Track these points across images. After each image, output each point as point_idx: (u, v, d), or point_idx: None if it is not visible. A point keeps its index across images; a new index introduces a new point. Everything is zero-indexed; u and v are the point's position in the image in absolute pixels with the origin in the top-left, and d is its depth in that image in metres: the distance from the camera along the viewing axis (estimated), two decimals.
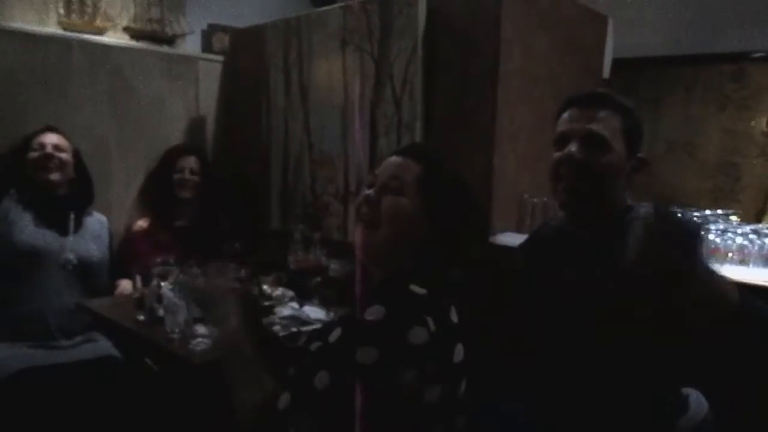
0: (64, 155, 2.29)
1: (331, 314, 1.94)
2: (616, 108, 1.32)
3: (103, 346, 2.17)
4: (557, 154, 1.34)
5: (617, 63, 2.53)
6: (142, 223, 2.64)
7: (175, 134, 2.89)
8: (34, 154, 2.24)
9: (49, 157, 2.24)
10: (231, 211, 2.83)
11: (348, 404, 0.94)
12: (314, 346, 1.10)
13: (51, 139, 2.28)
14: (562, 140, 1.34)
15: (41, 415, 1.89)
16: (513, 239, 1.94)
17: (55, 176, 2.25)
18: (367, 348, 0.95)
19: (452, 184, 1.14)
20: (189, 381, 1.83)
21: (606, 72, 2.48)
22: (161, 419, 1.96)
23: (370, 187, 1.14)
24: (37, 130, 2.29)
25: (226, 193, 2.85)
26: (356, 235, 1.12)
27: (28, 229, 2.16)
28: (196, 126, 2.98)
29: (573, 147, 1.30)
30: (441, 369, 1.00)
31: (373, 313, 0.98)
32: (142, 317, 1.86)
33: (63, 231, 2.23)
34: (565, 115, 1.37)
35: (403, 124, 2.23)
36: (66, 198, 2.29)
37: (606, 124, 1.30)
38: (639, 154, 1.35)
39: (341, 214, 2.50)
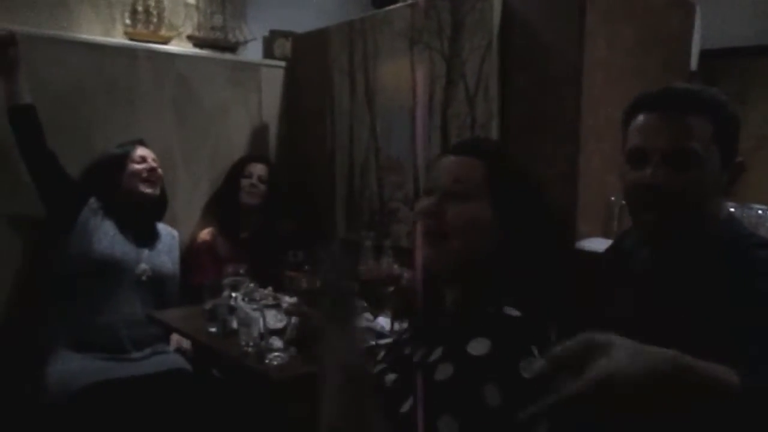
0: (160, 170, 2.32)
1: (404, 325, 1.84)
2: (706, 108, 1.04)
3: (172, 358, 2.14)
4: (635, 176, 1.08)
5: (703, 54, 2.35)
6: (205, 236, 2.60)
7: (239, 142, 2.87)
8: (138, 167, 2.25)
9: (153, 170, 2.26)
10: (296, 220, 2.77)
11: None
12: (390, 379, 0.95)
13: (148, 153, 2.30)
14: (638, 156, 1.08)
15: (112, 429, 1.87)
16: (599, 244, 1.80)
17: (156, 190, 2.28)
18: (488, 386, 0.82)
19: (523, 180, 1.00)
20: (263, 395, 1.77)
21: (694, 64, 2.30)
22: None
23: (428, 193, 1.00)
24: (129, 143, 2.31)
25: (290, 202, 2.80)
26: (420, 250, 0.98)
27: (106, 239, 2.15)
28: (259, 133, 2.94)
29: (657, 169, 1.04)
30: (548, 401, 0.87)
31: (480, 346, 0.85)
32: (214, 329, 1.80)
33: (140, 242, 2.23)
34: (640, 121, 1.09)
35: (477, 124, 2.12)
36: (145, 209, 2.29)
37: (696, 134, 1.03)
38: (737, 158, 1.09)
39: (410, 221, 2.40)
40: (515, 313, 0.90)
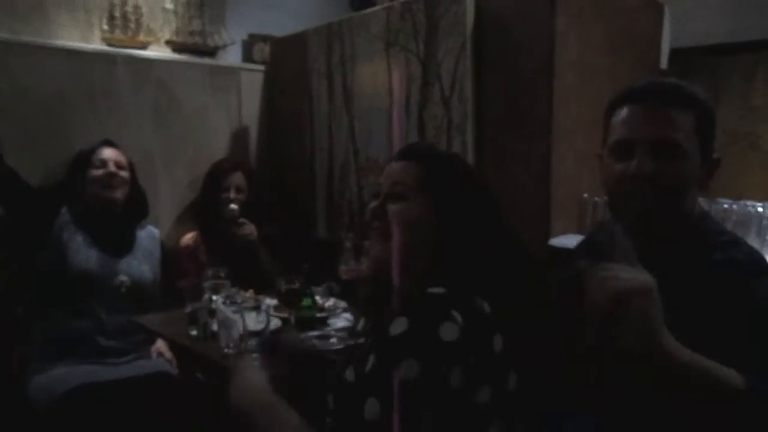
0: (124, 173, 2.25)
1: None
2: (688, 102, 1.07)
3: (156, 361, 2.14)
4: (619, 167, 1.09)
5: (675, 52, 2.40)
6: (187, 241, 2.60)
7: (219, 145, 2.88)
8: (97, 172, 2.19)
9: (112, 175, 2.20)
10: (277, 222, 2.78)
11: (411, 429, 0.87)
12: (349, 375, 1.02)
13: (111, 155, 2.24)
14: (623, 148, 1.09)
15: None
16: (573, 241, 1.84)
17: (117, 194, 2.21)
18: (406, 362, 0.88)
19: (456, 177, 1.08)
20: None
21: (663, 62, 2.35)
22: None
23: (375, 197, 1.09)
24: (95, 145, 2.26)
25: (271, 204, 2.81)
26: (371, 250, 1.07)
27: (81, 252, 2.12)
28: (239, 136, 2.96)
29: (642, 159, 1.05)
30: (483, 362, 0.93)
31: (398, 326, 0.91)
32: (195, 332, 1.82)
33: (116, 252, 2.19)
34: (624, 114, 1.10)
35: (453, 125, 2.16)
36: (120, 216, 2.25)
37: (679, 126, 1.05)
38: (714, 155, 1.11)
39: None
40: (439, 290, 0.96)
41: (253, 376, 1.12)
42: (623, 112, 1.10)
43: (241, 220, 2.47)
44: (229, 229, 2.48)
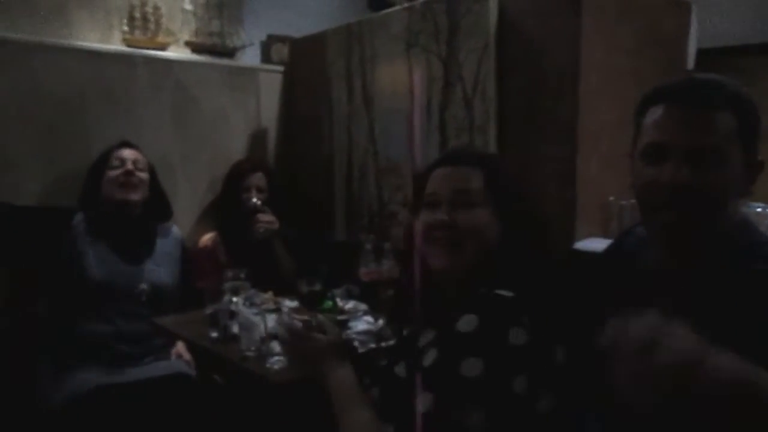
0: (143, 174, 2.19)
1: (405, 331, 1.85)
2: (730, 102, 0.95)
3: (174, 363, 2.13)
4: (652, 172, 0.98)
5: (701, 53, 2.35)
6: (206, 242, 2.59)
7: (238, 147, 2.87)
8: (114, 172, 2.13)
9: (130, 173, 2.13)
10: (295, 224, 2.76)
11: (460, 425, 0.88)
12: (400, 370, 1.05)
13: (130, 154, 2.18)
14: (656, 152, 0.98)
15: None
16: (598, 245, 1.80)
17: (134, 196, 2.14)
18: (470, 359, 0.89)
19: (515, 184, 1.13)
20: (263, 399, 1.77)
21: (690, 63, 2.31)
22: None
23: (431, 205, 1.08)
24: (114, 146, 2.22)
25: (289, 207, 2.78)
26: (438, 261, 1.07)
27: (99, 261, 2.06)
28: (257, 138, 2.95)
29: (677, 167, 0.95)
30: (547, 372, 0.94)
31: (467, 323, 0.93)
32: (215, 334, 1.80)
33: (135, 259, 2.13)
34: (659, 114, 0.98)
35: (475, 126, 2.13)
36: (139, 219, 2.20)
37: (719, 130, 0.94)
38: (759, 158, 1.01)
39: (407, 224, 2.40)
40: (508, 293, 0.97)
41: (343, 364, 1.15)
42: (658, 112, 0.99)
43: (262, 206, 2.45)
44: (250, 224, 2.44)
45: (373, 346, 1.69)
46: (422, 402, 0.90)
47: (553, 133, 1.94)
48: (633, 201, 1.88)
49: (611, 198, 1.96)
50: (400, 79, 2.40)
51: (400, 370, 1.06)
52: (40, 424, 1.94)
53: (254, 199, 2.47)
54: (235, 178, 2.58)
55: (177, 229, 2.40)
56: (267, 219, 2.43)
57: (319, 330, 1.22)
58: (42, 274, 2.09)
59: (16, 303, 2.20)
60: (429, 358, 0.95)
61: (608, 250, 1.34)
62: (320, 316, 1.29)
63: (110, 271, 2.07)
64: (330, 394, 1.11)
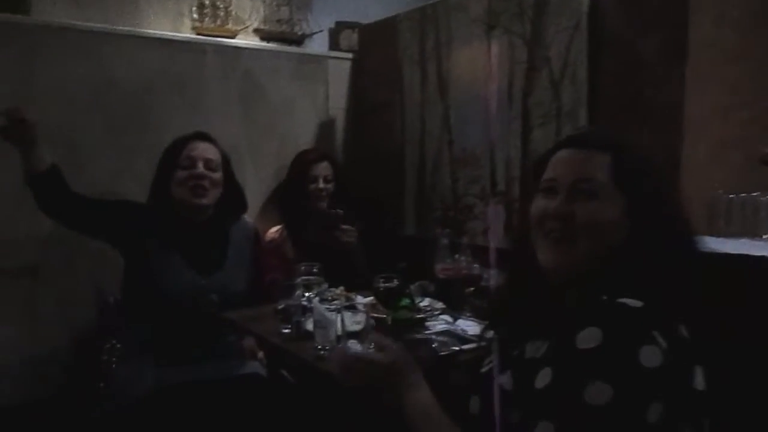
0: (215, 175, 1.96)
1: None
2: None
3: (247, 362, 2.04)
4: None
5: None
6: (273, 235, 2.52)
7: (305, 136, 2.80)
8: (183, 173, 1.92)
9: (200, 177, 1.92)
10: (362, 217, 2.66)
11: None
12: (506, 381, 0.91)
13: (201, 152, 1.95)
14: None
15: None
16: (724, 245, 1.60)
17: (205, 200, 1.94)
18: (596, 384, 0.74)
19: (650, 172, 0.94)
20: (338, 399, 1.68)
21: None
22: None
23: (547, 192, 0.95)
24: (184, 137, 1.99)
25: (356, 198, 2.68)
26: (547, 256, 0.94)
27: (167, 268, 1.92)
28: (325, 128, 2.86)
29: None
30: (685, 398, 0.78)
31: (589, 337, 0.77)
32: (287, 330, 1.72)
33: (206, 269, 1.97)
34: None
35: (563, 112, 1.97)
36: (211, 224, 2.03)
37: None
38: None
39: (489, 218, 2.27)
40: (635, 303, 0.81)
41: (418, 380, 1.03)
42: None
43: (345, 226, 2.32)
44: (331, 233, 2.33)
45: (455, 348, 1.56)
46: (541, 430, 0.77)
47: (655, 119, 1.76)
48: (743, 195, 1.71)
49: (719, 191, 1.77)
50: (478, 63, 2.26)
51: (505, 380, 0.93)
52: (112, 422, 1.90)
53: (337, 210, 2.33)
54: (301, 168, 2.49)
55: (250, 222, 2.25)
56: (348, 239, 2.32)
57: (378, 348, 1.09)
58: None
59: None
60: (543, 378, 0.81)
61: None
62: (375, 335, 1.15)
63: (177, 279, 1.92)
64: (407, 421, 0.99)
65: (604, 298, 0.83)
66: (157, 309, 1.93)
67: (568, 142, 0.97)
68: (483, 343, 1.21)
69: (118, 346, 2.09)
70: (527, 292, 1.01)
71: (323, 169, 2.48)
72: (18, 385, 2.15)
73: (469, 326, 1.77)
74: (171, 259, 1.92)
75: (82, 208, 1.88)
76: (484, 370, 1.04)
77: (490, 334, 1.10)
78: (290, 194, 2.54)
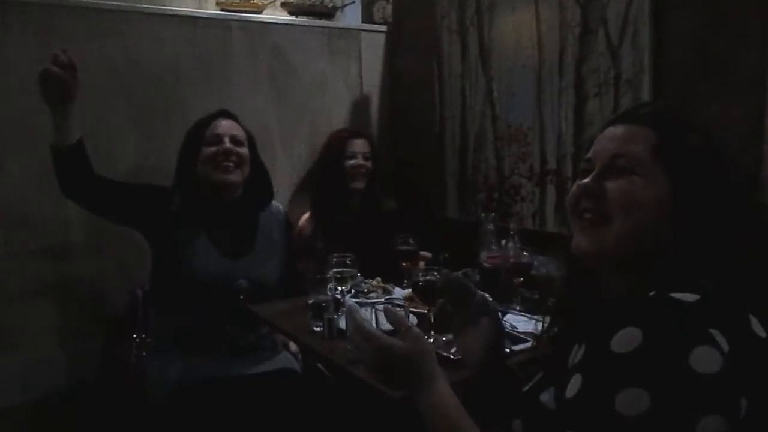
0: (242, 150, 1.89)
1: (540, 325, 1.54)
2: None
3: (280, 357, 1.93)
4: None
5: None
6: (303, 224, 2.37)
7: (338, 116, 2.64)
8: (210, 150, 1.85)
9: (228, 152, 1.85)
10: (398, 200, 2.50)
11: None
12: (547, 399, 0.82)
13: (227, 129, 1.89)
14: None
15: (213, 429, 1.70)
16: None
17: (233, 176, 1.87)
18: (629, 391, 0.62)
19: (703, 146, 0.81)
20: (378, 397, 1.54)
21: None
22: None
23: (585, 172, 0.86)
24: (209, 116, 1.93)
25: (392, 180, 2.52)
26: (579, 240, 0.84)
27: (195, 252, 1.84)
28: (359, 106, 2.70)
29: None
30: (758, 412, 0.63)
31: (625, 340, 0.65)
32: (318, 328, 1.58)
33: (236, 252, 1.90)
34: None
35: (622, 80, 1.76)
36: (239, 205, 1.95)
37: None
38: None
39: (537, 199, 2.07)
40: (690, 297, 0.68)
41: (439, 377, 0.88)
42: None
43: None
44: (350, 203, 2.23)
45: (506, 350, 1.39)
46: None
47: (734, 86, 1.53)
48: None
49: None
50: (525, 30, 2.05)
51: (548, 398, 0.82)
52: (145, 417, 1.83)
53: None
54: (337, 144, 2.35)
55: (280, 207, 2.13)
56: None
57: (405, 336, 0.90)
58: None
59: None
60: (573, 386, 0.69)
61: None
62: (391, 312, 0.96)
63: (206, 264, 1.85)
64: (422, 420, 0.85)
65: (652, 293, 0.71)
66: (186, 296, 1.84)
67: (616, 119, 0.88)
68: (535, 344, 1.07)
69: (148, 340, 2.02)
70: (574, 288, 0.91)
71: (361, 145, 2.34)
72: (43, 376, 2.09)
73: (520, 322, 1.60)
74: (198, 243, 1.85)
75: (106, 191, 1.81)
76: (527, 388, 0.91)
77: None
78: (325, 174, 2.38)
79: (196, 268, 1.82)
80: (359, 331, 0.91)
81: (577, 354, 0.77)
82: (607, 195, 0.80)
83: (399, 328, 0.92)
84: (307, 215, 2.36)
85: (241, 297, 1.85)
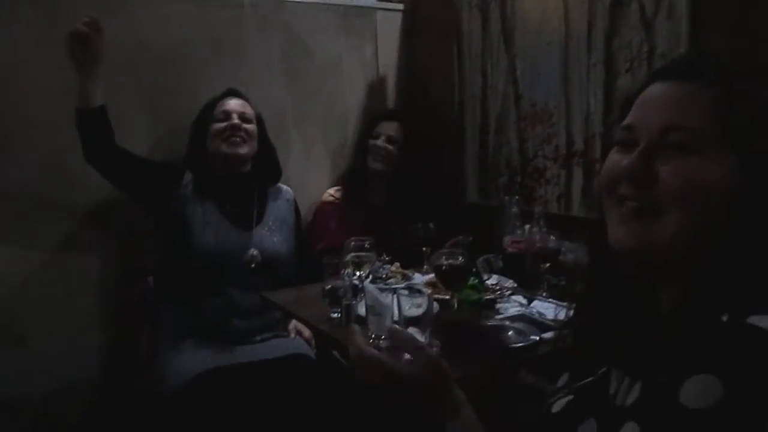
0: (250, 126, 1.99)
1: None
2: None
3: (293, 342, 1.90)
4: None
5: None
6: (333, 193, 2.32)
7: (354, 98, 2.56)
8: (218, 125, 1.95)
9: (236, 128, 1.95)
10: (426, 185, 2.41)
11: None
12: (588, 430, 0.66)
13: (236, 106, 2.00)
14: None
15: (229, 417, 1.65)
16: None
17: (242, 150, 1.96)
18: None
19: None
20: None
21: None
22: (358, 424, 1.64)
23: (623, 145, 0.67)
24: (219, 96, 2.03)
25: (421, 167, 2.42)
26: (620, 232, 0.66)
27: (207, 226, 1.90)
28: (375, 87, 2.61)
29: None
30: None
31: (701, 392, 0.51)
32: (335, 314, 1.51)
33: (245, 223, 1.96)
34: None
35: (656, 54, 1.66)
36: (248, 178, 2.02)
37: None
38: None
39: (562, 182, 1.98)
40: None
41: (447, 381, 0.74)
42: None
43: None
44: (374, 185, 2.24)
45: (535, 338, 1.31)
46: None
47: None
48: None
49: None
50: (550, 2, 1.95)
51: (588, 430, 0.67)
52: (157, 406, 1.78)
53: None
54: (368, 122, 2.40)
55: (289, 191, 2.17)
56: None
57: (416, 359, 0.75)
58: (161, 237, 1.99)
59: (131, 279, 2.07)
60: None
61: None
62: (400, 331, 0.82)
63: (217, 234, 1.89)
64: None
65: (725, 318, 0.55)
66: (197, 272, 1.87)
67: (664, 73, 0.68)
68: (565, 331, 0.94)
69: (158, 331, 1.98)
70: (606, 290, 0.74)
71: (390, 128, 2.31)
72: (55, 367, 2.03)
73: (547, 308, 1.52)
74: (209, 214, 1.92)
75: (126, 161, 1.88)
76: (556, 410, 0.73)
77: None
78: (355, 153, 2.44)
79: (207, 239, 1.87)
80: (360, 356, 0.76)
81: (629, 392, 0.63)
82: (660, 181, 0.62)
83: (409, 349, 0.76)
84: (335, 188, 2.36)
85: (253, 266, 1.90)
